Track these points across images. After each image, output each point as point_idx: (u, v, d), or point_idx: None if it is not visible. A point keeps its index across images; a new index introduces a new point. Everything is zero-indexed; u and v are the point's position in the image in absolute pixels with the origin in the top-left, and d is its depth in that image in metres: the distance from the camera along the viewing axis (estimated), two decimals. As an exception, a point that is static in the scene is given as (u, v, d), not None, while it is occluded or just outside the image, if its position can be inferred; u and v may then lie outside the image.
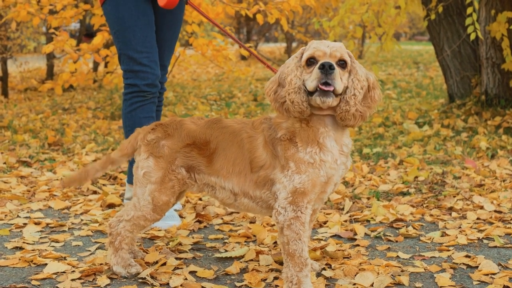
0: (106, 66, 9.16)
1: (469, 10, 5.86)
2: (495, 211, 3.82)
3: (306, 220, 2.55)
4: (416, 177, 4.66)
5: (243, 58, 19.51)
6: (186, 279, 2.79)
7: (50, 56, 11.68)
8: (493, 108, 7.05)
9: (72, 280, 2.79)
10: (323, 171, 2.52)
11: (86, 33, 13.91)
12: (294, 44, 19.09)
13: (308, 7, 14.26)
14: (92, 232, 3.52)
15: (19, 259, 3.02)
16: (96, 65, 11.71)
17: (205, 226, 3.63)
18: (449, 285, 2.73)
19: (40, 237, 3.41)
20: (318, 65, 2.45)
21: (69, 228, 3.59)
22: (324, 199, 2.73)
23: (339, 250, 3.11)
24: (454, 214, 3.79)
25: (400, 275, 2.83)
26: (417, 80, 13.17)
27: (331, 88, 2.45)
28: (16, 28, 9.92)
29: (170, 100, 9.71)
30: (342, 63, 2.52)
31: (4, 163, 5.21)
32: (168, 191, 2.78)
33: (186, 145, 2.76)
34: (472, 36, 5.79)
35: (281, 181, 2.54)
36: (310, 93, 2.49)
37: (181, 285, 2.72)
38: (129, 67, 3.62)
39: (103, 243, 3.29)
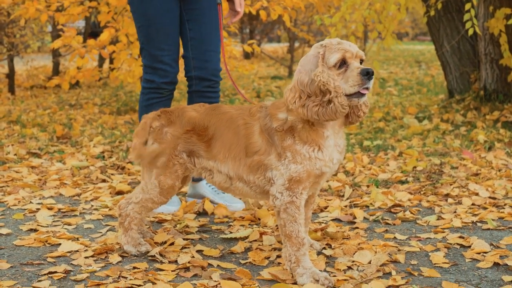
0: (111, 62, 9.32)
1: (467, 6, 6.00)
2: (489, 197, 3.97)
3: (301, 204, 2.68)
4: (415, 167, 4.81)
5: (247, 57, 19.69)
6: (193, 257, 2.95)
7: (56, 54, 11.85)
8: (491, 103, 7.19)
9: (86, 257, 2.94)
10: (318, 165, 2.66)
11: (90, 32, 14.08)
12: (296, 44, 19.21)
13: (311, 6, 14.39)
14: (103, 216, 3.68)
15: (34, 240, 3.18)
16: (101, 62, 11.87)
17: (212, 213, 3.76)
18: (442, 262, 2.88)
19: (53, 221, 3.57)
20: (360, 71, 2.54)
21: (80, 213, 3.75)
22: (318, 188, 2.87)
23: (339, 232, 3.26)
24: (450, 200, 3.94)
25: (396, 254, 2.97)
26: (418, 78, 13.31)
27: (366, 95, 2.60)
28: (23, 26, 10.07)
29: (174, 97, 9.86)
30: (361, 62, 2.65)
31: (15, 154, 5.37)
32: (172, 175, 2.94)
33: (186, 131, 2.91)
34: (470, 32, 5.94)
35: (278, 168, 2.68)
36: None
37: (188, 262, 2.87)
38: (149, 63, 3.71)
39: (114, 226, 3.44)
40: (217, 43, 3.81)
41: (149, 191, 2.98)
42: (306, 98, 2.59)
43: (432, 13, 6.83)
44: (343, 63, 2.59)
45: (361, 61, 2.64)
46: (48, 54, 16.11)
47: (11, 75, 10.55)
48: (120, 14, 7.43)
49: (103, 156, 5.35)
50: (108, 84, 11.78)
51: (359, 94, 2.57)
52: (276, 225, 3.44)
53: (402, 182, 4.42)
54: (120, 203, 3.06)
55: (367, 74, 2.52)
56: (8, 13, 9.88)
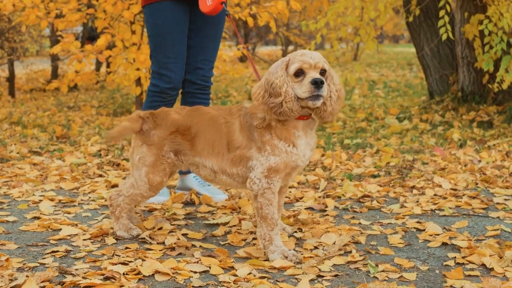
0: (108, 66, 9.71)
1: (441, 13, 6.43)
2: (451, 189, 4.36)
3: (276, 190, 3.07)
4: (388, 163, 5.21)
5: (242, 60, 20.08)
6: (178, 239, 3.34)
7: (54, 58, 12.25)
8: (468, 104, 7.58)
9: (84, 240, 3.33)
10: (294, 158, 3.05)
11: (88, 37, 14.47)
12: (291, 47, 19.63)
13: (304, 11, 14.79)
14: (99, 206, 4.07)
15: (38, 225, 3.57)
16: (98, 66, 12.25)
17: (198, 203, 4.15)
18: (398, 243, 3.27)
19: (54, 210, 3.95)
20: (311, 81, 2.90)
21: (78, 203, 4.14)
22: (290, 179, 3.25)
23: (309, 218, 3.65)
24: (415, 191, 4.33)
25: (359, 236, 3.37)
26: (408, 81, 13.70)
27: (321, 98, 2.94)
28: (22, 32, 10.48)
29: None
30: (323, 72, 2.99)
31: (17, 152, 5.76)
32: (160, 173, 3.31)
33: (171, 133, 3.28)
34: (444, 37, 6.37)
35: (259, 159, 3.06)
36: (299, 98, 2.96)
37: (174, 243, 3.25)
38: (156, 69, 4.04)
39: (109, 214, 3.83)
40: (214, 53, 4.19)
41: (139, 187, 3.34)
42: (268, 96, 2.96)
43: (411, 19, 7.24)
44: (301, 73, 2.95)
45: (323, 71, 2.99)
46: (47, 58, 16.48)
47: (11, 78, 10.95)
48: (116, 20, 7.82)
49: (100, 154, 5.74)
50: (105, 87, 12.18)
51: (313, 98, 2.92)
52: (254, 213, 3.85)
53: (374, 176, 4.82)
54: (111, 195, 3.43)
55: (315, 83, 2.89)
56: (9, 19, 10.28)
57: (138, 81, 7.73)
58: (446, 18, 6.40)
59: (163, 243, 3.30)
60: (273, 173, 3.04)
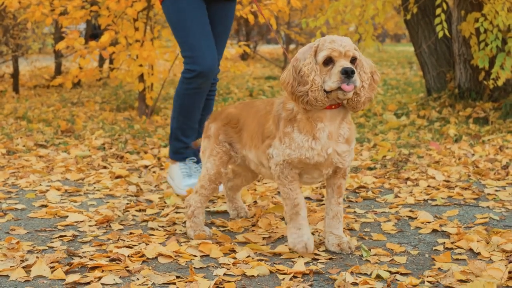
0: (111, 62, 9.86)
1: (438, 11, 6.57)
2: (444, 180, 4.50)
3: (290, 174, 2.98)
4: (384, 156, 5.35)
5: (244, 58, 20.26)
6: (181, 225, 3.48)
7: (58, 55, 12.40)
8: (464, 100, 7.72)
9: (90, 226, 3.48)
10: (309, 154, 2.93)
11: (91, 34, 14.62)
12: (292, 46, 19.75)
13: (305, 9, 14.92)
14: (104, 195, 4.22)
15: (46, 213, 3.72)
16: (101, 62, 12.41)
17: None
18: (390, 230, 3.42)
19: (61, 199, 4.11)
20: (340, 70, 2.74)
21: (84, 193, 4.29)
22: (320, 177, 3.11)
23: (307, 207, 3.79)
24: (409, 183, 4.48)
25: (353, 223, 3.51)
26: (408, 79, 13.85)
27: (352, 87, 2.78)
28: (26, 28, 10.65)
29: (171, 95, 10.39)
30: (353, 60, 2.84)
31: (24, 146, 5.91)
32: (217, 162, 3.33)
33: (224, 125, 3.34)
34: (440, 34, 6.52)
35: (278, 148, 2.99)
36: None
37: (175, 230, 3.40)
38: (189, 53, 3.97)
39: (113, 203, 3.98)
40: (221, 49, 4.20)
41: (201, 179, 3.39)
42: (297, 85, 2.83)
43: (408, 17, 7.39)
44: (330, 61, 2.81)
45: (353, 59, 2.84)
46: (50, 55, 16.64)
47: (15, 75, 11.10)
48: (120, 17, 7.96)
49: (104, 147, 5.89)
50: (108, 83, 12.33)
51: (342, 90, 2.78)
52: (254, 202, 4.00)
53: (371, 169, 4.96)
54: (188, 196, 3.45)
55: (345, 73, 2.75)
56: (14, 16, 10.43)
57: (141, 77, 7.87)
58: (443, 16, 6.55)
59: (168, 230, 3.44)
60: (287, 165, 2.99)
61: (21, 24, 10.57)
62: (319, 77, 2.81)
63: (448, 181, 4.49)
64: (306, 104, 2.83)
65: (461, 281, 2.65)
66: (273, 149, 3.03)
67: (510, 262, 2.82)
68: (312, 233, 3.37)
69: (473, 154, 5.34)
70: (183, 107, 4.12)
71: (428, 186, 4.38)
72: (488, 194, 4.14)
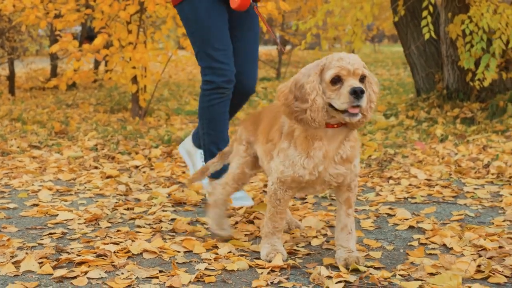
0: (106, 64, 9.99)
1: (424, 13, 6.72)
2: (425, 179, 4.63)
3: (283, 198, 2.95)
4: (370, 156, 5.48)
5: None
6: (167, 222, 3.61)
7: (54, 57, 12.53)
8: (452, 101, 7.85)
9: (79, 224, 3.61)
10: (301, 173, 2.87)
11: (87, 36, 14.74)
12: (287, 47, 19.86)
13: (299, 10, 15.05)
14: (94, 195, 4.34)
15: (37, 211, 3.85)
16: (96, 64, 12.53)
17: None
18: (369, 226, 3.55)
19: (52, 198, 4.23)
20: (349, 90, 2.60)
21: (75, 192, 4.41)
22: (316, 192, 3.07)
23: (292, 206, 3.92)
24: (391, 181, 4.61)
25: (333, 221, 3.64)
26: (401, 79, 14.00)
27: (359, 110, 2.64)
28: (22, 31, 10.77)
29: (164, 97, 10.53)
30: (362, 78, 2.70)
31: (18, 147, 6.03)
32: (240, 160, 3.36)
33: (248, 125, 3.38)
34: (426, 36, 6.68)
35: (275, 161, 2.96)
36: (336, 109, 2.68)
37: (161, 227, 3.53)
38: (207, 64, 3.87)
39: (103, 202, 4.10)
40: (252, 59, 4.04)
41: (226, 176, 3.43)
42: (293, 99, 2.73)
43: (396, 19, 7.54)
44: (338, 80, 2.66)
45: (363, 77, 2.70)
46: (47, 57, 16.76)
47: (11, 77, 11.22)
48: (113, 20, 8.09)
49: (96, 148, 6.01)
50: (103, 85, 12.45)
51: (350, 114, 2.63)
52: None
53: (355, 168, 5.08)
54: (214, 185, 3.50)
55: (354, 93, 2.61)
56: (9, 19, 10.56)
57: (134, 79, 8.00)
58: (429, 18, 6.69)
59: (157, 229, 3.56)
60: (281, 183, 2.93)
61: (17, 27, 10.69)
62: (321, 98, 2.68)
63: (429, 180, 4.62)
64: (299, 121, 2.73)
65: (431, 274, 2.78)
66: (273, 162, 2.99)
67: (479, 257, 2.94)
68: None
69: (456, 154, 5.47)
70: (212, 120, 3.96)
71: (410, 184, 4.51)
72: (467, 192, 4.26)
